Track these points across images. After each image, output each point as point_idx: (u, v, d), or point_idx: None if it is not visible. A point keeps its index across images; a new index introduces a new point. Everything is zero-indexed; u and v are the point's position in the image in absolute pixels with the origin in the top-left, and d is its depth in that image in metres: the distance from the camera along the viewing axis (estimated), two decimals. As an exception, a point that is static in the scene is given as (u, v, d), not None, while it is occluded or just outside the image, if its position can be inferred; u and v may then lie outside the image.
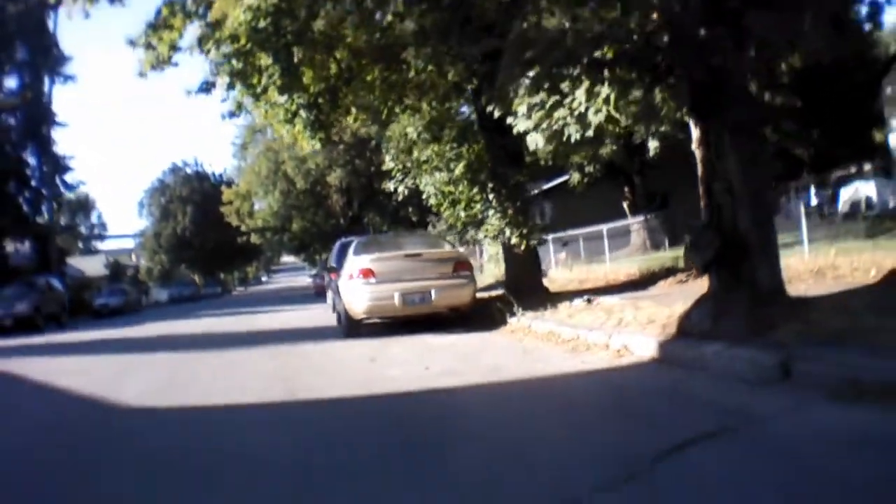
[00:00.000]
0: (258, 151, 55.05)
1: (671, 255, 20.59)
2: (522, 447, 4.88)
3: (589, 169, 28.46)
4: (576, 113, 8.44)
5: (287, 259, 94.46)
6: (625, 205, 33.24)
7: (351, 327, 13.57)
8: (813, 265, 12.69)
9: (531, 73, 8.32)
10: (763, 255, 8.02)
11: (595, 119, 8.42)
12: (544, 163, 26.73)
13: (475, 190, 15.08)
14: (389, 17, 12.27)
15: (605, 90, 8.15)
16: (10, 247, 43.36)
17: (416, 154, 15.59)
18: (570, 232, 27.90)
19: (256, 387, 8.47)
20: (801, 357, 5.91)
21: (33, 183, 45.10)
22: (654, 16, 7.92)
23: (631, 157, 30.01)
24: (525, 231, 14.90)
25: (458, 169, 15.00)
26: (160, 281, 75.45)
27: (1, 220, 40.04)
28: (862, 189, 26.54)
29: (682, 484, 3.90)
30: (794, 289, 9.20)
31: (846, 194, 26.32)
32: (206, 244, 74.41)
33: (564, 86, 8.25)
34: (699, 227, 8.26)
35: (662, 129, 15.10)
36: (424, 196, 16.41)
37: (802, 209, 14.50)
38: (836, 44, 8.81)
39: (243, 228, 58.03)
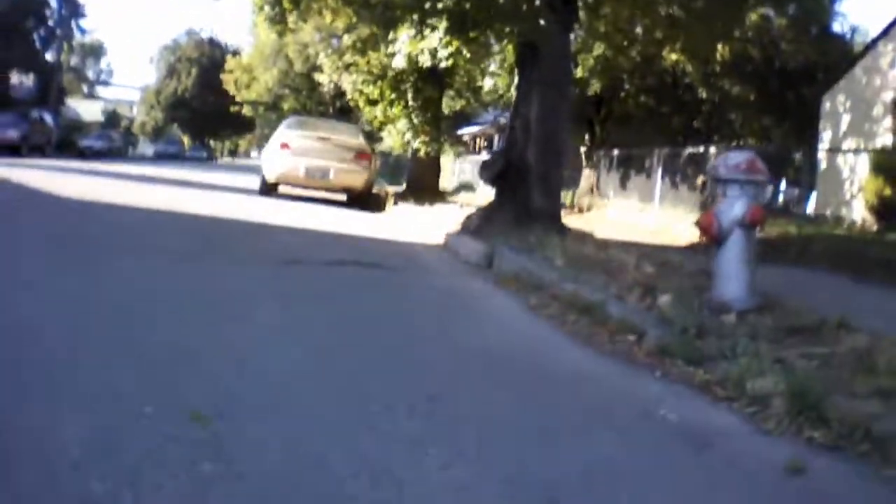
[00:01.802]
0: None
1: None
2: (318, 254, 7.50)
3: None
4: (429, 47, 10.77)
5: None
6: (581, 150, 35.44)
7: (264, 187, 15.99)
8: (655, 224, 15.14)
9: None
10: (541, 184, 10.49)
11: (444, 52, 10.73)
12: (505, 94, 28.93)
13: (394, 95, 17.48)
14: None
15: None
16: (14, 79, 45.24)
17: (346, 57, 17.95)
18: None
19: (158, 201, 11.38)
20: (501, 256, 8.04)
21: (50, 23, 46.96)
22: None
23: (597, 106, 32.05)
24: (427, 139, 17.37)
25: (387, 77, 17.39)
26: (152, 136, 77.38)
27: (11, 51, 41.88)
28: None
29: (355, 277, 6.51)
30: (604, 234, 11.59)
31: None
32: (203, 108, 75.97)
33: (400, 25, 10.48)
34: (494, 153, 10.77)
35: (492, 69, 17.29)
36: (347, 93, 18.84)
37: (659, 176, 16.96)
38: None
39: (238, 98, 59.68)
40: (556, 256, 7.78)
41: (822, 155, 22.87)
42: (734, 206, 5.48)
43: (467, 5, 9.74)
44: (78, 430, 2.50)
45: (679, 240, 12.98)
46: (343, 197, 16.15)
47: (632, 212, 17.17)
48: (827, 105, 25.60)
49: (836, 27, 32.80)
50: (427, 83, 17.34)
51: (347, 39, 17.37)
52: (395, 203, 15.23)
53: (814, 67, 31.73)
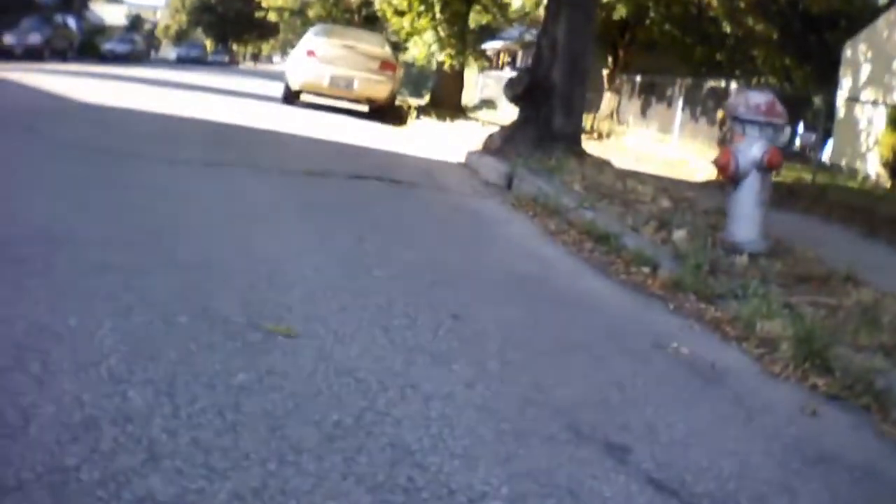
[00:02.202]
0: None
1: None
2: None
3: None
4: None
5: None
6: (604, 73, 35.05)
7: (287, 96, 15.83)
8: (672, 156, 15.03)
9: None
10: (564, 104, 10.42)
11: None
12: (531, 12, 28.56)
13: (422, 7, 17.29)
14: None
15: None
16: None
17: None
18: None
19: (180, 108, 11.38)
20: (521, 178, 8.12)
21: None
22: None
23: (621, 30, 31.58)
24: (454, 52, 17.24)
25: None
26: (175, 39, 76.91)
27: (34, -45, 41.39)
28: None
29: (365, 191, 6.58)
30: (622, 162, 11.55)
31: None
32: (228, 13, 75.41)
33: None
34: (520, 70, 10.70)
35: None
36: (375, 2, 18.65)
37: (679, 107, 16.76)
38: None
39: (264, 4, 59.06)
40: (574, 182, 7.82)
41: (840, 103, 22.60)
42: (752, 148, 5.46)
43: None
44: (114, 337, 2.60)
45: (695, 175, 12.92)
46: (364, 108, 16.11)
47: (650, 141, 17.06)
48: (848, 52, 25.12)
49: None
50: (456, -3, 17.17)
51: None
52: (418, 117, 15.17)
53: (836, 14, 31.21)
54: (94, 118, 9.17)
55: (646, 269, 4.93)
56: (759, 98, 5.72)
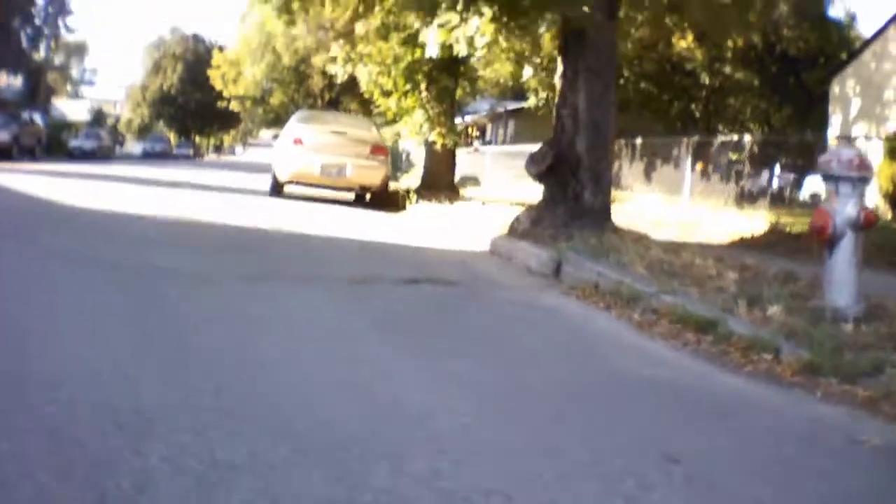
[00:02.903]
0: (255, 22, 55.71)
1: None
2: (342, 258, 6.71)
3: (543, 95, 29.99)
4: (466, 35, 9.96)
5: (264, 136, 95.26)
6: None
7: (275, 188, 15.14)
8: (685, 218, 14.39)
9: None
10: (591, 178, 9.74)
11: (480, 41, 9.94)
12: (504, 82, 28.21)
13: (408, 86, 16.65)
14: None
15: (485, 21, 9.57)
16: (2, 79, 44.33)
17: (359, 47, 17.14)
18: (513, 147, 29.32)
19: (170, 209, 10.61)
20: (572, 263, 7.31)
21: (37, 21, 46.04)
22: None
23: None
24: (444, 131, 16.56)
25: (399, 67, 16.57)
26: (138, 134, 76.41)
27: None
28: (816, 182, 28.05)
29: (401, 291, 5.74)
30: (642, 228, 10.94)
31: (810, 184, 27.49)
32: (188, 104, 75.25)
33: (442, 11, 9.57)
34: (543, 145, 9.98)
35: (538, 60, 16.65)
36: (362, 83, 18.07)
37: (689, 166, 16.19)
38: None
39: (226, 94, 58.90)
40: (633, 262, 7.13)
41: (831, 140, 22.46)
42: (847, 206, 5.09)
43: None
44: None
45: (720, 235, 12.35)
46: (350, 195, 15.51)
47: (659, 204, 16.38)
48: (836, 89, 25.12)
49: (836, 12, 32.65)
50: (442, 72, 16.53)
51: (361, 29, 16.56)
52: (417, 201, 14.39)
53: (814, 53, 31.41)
54: (89, 223, 8.38)
55: (767, 356, 4.48)
56: (850, 153, 5.37)
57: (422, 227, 12.04)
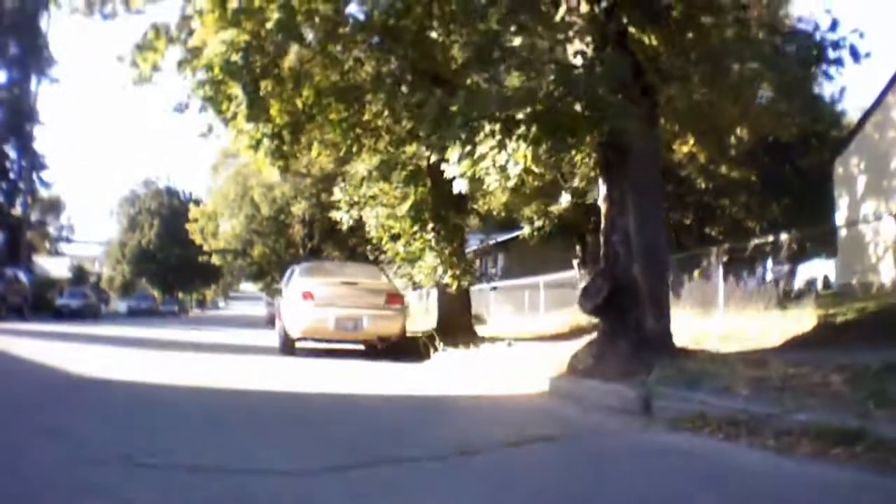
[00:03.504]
0: (228, 174, 55.86)
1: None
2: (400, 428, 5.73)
3: (539, 223, 29.48)
4: (497, 164, 9.23)
5: (245, 288, 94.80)
6: (574, 262, 34.16)
7: (286, 345, 14.26)
8: (724, 329, 13.62)
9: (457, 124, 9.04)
10: (651, 303, 8.95)
11: (514, 170, 9.21)
12: (497, 214, 27.65)
13: (416, 227, 15.93)
14: (350, 62, 13.06)
15: (521, 145, 8.86)
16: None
17: (363, 189, 16.51)
18: (516, 281, 28.55)
19: (188, 375, 9.65)
20: (664, 397, 6.64)
21: (11, 176, 45.92)
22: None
23: (587, 215, 30.97)
24: (458, 272, 15.75)
25: (403, 207, 15.89)
26: (120, 291, 75.83)
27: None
28: (820, 268, 27.68)
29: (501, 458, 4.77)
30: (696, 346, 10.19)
31: (804, 271, 27.14)
32: (168, 260, 74.94)
33: (480, 139, 8.86)
34: (593, 275, 9.18)
35: (576, 184, 16.11)
36: (367, 228, 17.35)
37: (721, 275, 15.43)
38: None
39: (205, 248, 58.58)
40: (733, 385, 6.61)
41: (840, 223, 22.31)
42: None
43: (559, 104, 8.31)
44: None
45: (769, 340, 11.70)
46: (360, 346, 14.91)
47: (693, 320, 15.52)
48: (840, 170, 24.83)
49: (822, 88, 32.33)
50: (450, 209, 15.84)
51: (363, 169, 15.94)
52: (444, 349, 13.48)
53: (805, 136, 31.24)
54: (113, 401, 7.04)
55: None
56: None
57: (459, 374, 11.27)
